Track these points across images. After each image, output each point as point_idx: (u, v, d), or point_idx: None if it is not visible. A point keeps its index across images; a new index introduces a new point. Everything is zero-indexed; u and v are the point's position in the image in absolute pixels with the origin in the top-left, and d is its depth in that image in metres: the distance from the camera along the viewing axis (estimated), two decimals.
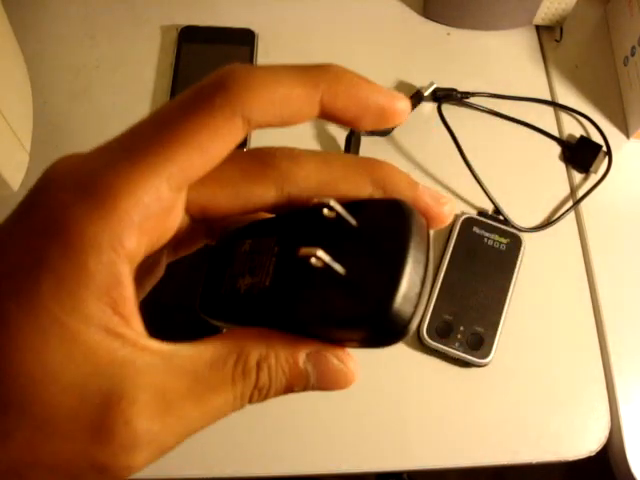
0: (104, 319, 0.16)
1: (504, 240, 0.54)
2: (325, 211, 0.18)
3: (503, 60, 0.64)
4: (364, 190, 0.19)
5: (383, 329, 0.17)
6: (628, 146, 0.61)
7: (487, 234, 0.54)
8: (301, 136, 0.59)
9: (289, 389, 0.19)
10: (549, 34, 0.66)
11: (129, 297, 0.16)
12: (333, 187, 0.19)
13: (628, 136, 0.61)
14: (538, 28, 0.66)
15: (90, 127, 0.58)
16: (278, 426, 0.48)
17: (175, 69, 0.60)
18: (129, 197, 0.16)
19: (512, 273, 0.53)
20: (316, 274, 0.18)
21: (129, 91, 0.60)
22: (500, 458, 0.49)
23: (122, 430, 0.15)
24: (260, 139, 0.58)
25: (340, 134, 0.58)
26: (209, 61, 0.61)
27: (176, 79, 0.60)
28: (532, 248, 0.54)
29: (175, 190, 0.17)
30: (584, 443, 0.49)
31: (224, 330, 0.20)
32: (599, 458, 0.49)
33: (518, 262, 0.53)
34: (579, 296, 0.54)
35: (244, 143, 0.57)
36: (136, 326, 0.17)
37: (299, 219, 0.20)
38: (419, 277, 0.18)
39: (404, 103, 0.19)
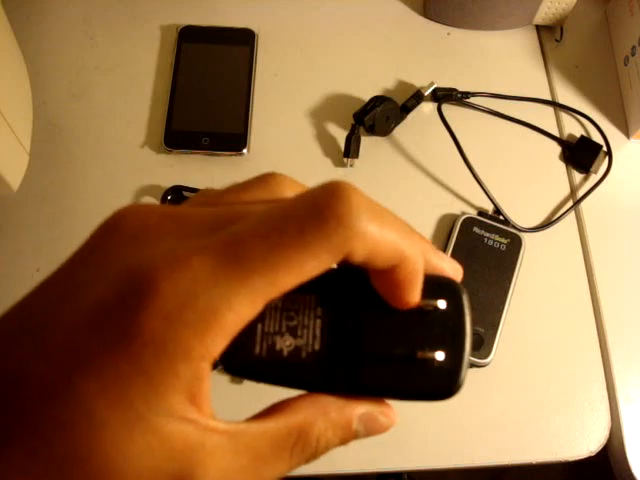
0: (182, 410, 0.17)
1: (504, 240, 0.54)
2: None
3: (503, 60, 0.64)
4: None
5: (444, 400, 0.20)
6: (628, 146, 0.61)
7: (487, 234, 0.54)
8: (302, 136, 0.59)
9: (341, 445, 0.21)
10: (549, 34, 0.66)
11: (206, 388, 0.18)
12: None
13: (628, 136, 0.61)
14: (538, 28, 0.66)
15: (90, 127, 0.58)
16: None
17: (175, 69, 0.60)
18: (231, 315, 0.17)
19: (512, 273, 0.53)
20: (380, 343, 0.20)
21: (129, 91, 0.60)
22: (500, 458, 0.49)
23: None
24: (261, 138, 0.58)
25: (340, 134, 0.58)
26: (209, 61, 0.61)
27: (176, 79, 0.60)
28: (532, 248, 0.54)
29: (268, 301, 0.18)
30: (584, 443, 0.49)
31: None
32: (599, 458, 0.49)
33: (518, 262, 0.53)
34: (579, 296, 0.54)
35: (244, 143, 0.57)
36: (207, 410, 0.18)
37: (343, 280, 0.21)
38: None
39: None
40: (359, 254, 0.18)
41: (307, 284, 0.20)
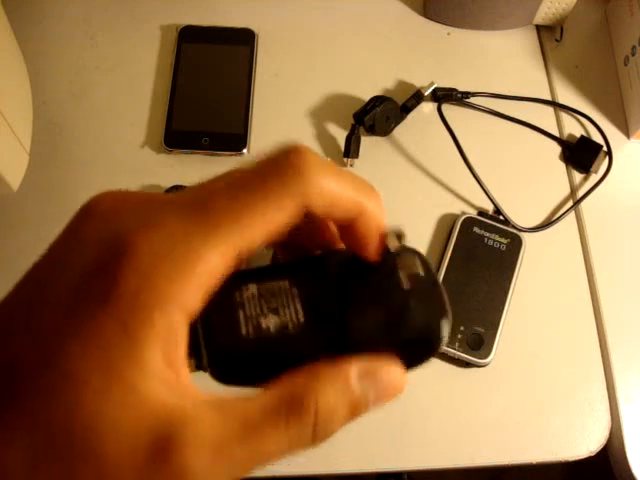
0: (159, 372, 0.17)
1: (504, 240, 0.54)
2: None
3: (503, 60, 0.64)
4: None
5: (440, 337, 0.21)
6: (628, 146, 0.61)
7: (487, 234, 0.54)
8: (302, 136, 0.59)
9: (352, 416, 0.20)
10: (549, 34, 0.66)
11: (181, 351, 0.18)
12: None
13: (628, 136, 0.61)
14: (538, 28, 0.66)
15: (90, 127, 0.58)
16: None
17: (175, 69, 0.60)
18: (201, 265, 0.18)
19: (512, 273, 0.53)
20: (360, 294, 0.21)
21: (129, 91, 0.60)
22: (500, 458, 0.49)
23: (173, 472, 0.16)
24: (261, 138, 0.58)
25: (340, 134, 0.58)
26: (209, 61, 0.61)
27: (176, 79, 0.60)
28: (532, 248, 0.54)
29: (237, 255, 0.19)
30: (584, 443, 0.49)
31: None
32: (599, 458, 0.49)
33: (518, 262, 0.53)
34: (579, 296, 0.54)
35: (244, 143, 0.57)
36: (184, 377, 0.18)
37: (311, 263, 0.22)
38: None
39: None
40: (318, 205, 0.19)
41: (279, 272, 0.22)
